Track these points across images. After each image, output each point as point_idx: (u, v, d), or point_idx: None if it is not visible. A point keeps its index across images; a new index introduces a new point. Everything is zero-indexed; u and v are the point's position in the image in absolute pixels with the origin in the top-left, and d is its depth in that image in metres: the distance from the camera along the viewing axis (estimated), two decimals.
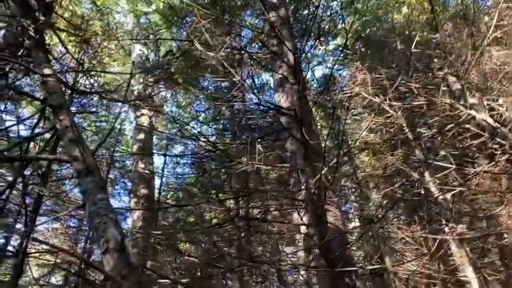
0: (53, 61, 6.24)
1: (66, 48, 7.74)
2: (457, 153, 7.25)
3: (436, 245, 8.04)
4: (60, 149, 6.50)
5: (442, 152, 8.91)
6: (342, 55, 9.08)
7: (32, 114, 4.43)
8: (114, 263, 1.66)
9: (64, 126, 2.24)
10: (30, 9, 3.42)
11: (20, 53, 3.29)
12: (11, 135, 3.69)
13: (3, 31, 3.77)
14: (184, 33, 11.23)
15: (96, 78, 8.94)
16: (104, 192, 1.97)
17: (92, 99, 9.84)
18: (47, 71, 2.63)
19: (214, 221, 11.23)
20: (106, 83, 10.17)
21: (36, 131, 3.65)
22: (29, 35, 3.09)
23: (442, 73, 8.08)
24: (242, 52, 6.12)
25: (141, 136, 12.24)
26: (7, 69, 3.25)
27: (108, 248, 1.69)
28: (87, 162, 2.06)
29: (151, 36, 12.98)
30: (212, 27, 5.25)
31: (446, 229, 7.68)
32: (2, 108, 3.99)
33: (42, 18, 3.25)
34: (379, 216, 5.06)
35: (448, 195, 7.01)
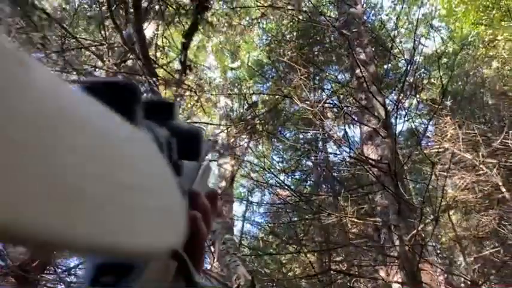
0: None
1: None
2: None
3: None
4: None
5: None
6: (430, 109, 8.90)
7: None
8: None
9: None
10: (153, 68, 3.90)
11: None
12: None
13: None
14: (269, 85, 11.79)
15: None
16: (231, 232, 2.14)
17: None
18: None
19: (291, 273, 11.03)
20: None
21: None
22: (154, 91, 3.51)
23: None
24: (333, 106, 6.31)
25: (223, 184, 12.69)
26: None
27: (239, 284, 1.83)
28: None
29: (236, 89, 13.77)
30: (304, 82, 5.52)
31: None
32: None
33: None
34: (480, 281, 4.73)
35: None
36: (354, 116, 6.17)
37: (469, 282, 4.17)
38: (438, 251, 11.34)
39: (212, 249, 2.43)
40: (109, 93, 0.25)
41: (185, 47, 3.57)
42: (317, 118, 4.40)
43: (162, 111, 0.40)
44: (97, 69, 4.44)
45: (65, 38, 4.94)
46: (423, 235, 4.99)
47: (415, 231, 4.25)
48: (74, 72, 4.12)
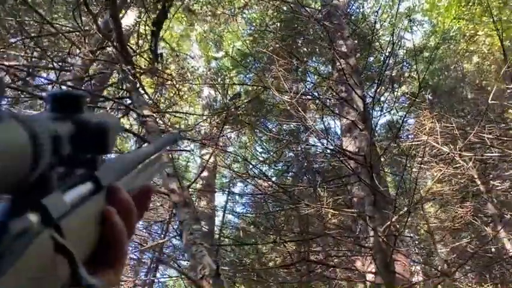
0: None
1: (144, 88, 8.37)
2: None
3: None
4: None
5: None
6: (409, 102, 9.01)
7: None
8: None
9: (163, 162, 2.49)
10: (130, 56, 3.85)
11: (120, 95, 3.74)
12: None
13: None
14: (251, 75, 11.76)
15: (169, 117, 9.54)
16: (199, 223, 2.16)
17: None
18: (146, 112, 2.95)
19: (271, 263, 11.14)
20: (177, 122, 10.80)
21: None
22: (129, 79, 3.47)
23: None
24: (312, 97, 6.33)
25: (205, 174, 12.68)
26: (108, 108, 3.69)
27: (204, 274, 1.84)
28: (184, 195, 2.27)
29: (220, 79, 13.70)
30: (284, 74, 5.52)
31: None
32: None
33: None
34: (449, 271, 4.85)
35: None
36: (332, 108, 6.21)
37: (439, 273, 4.27)
38: (416, 242, 11.59)
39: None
40: None
41: (155, 34, 3.52)
42: (294, 110, 4.42)
43: (69, 105, 0.39)
44: (72, 56, 4.36)
45: (42, 24, 4.84)
46: (397, 226, 5.08)
47: (388, 222, 4.33)
48: (49, 59, 4.04)
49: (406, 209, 4.24)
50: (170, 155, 2.49)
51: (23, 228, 0.31)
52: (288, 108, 4.44)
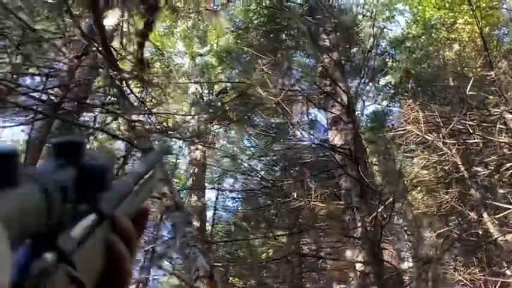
0: None
1: (130, 88, 8.34)
2: None
3: None
4: None
5: (501, 191, 8.59)
6: (392, 92, 9.16)
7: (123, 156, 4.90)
8: None
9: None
10: (115, 60, 3.88)
11: (107, 100, 3.79)
12: None
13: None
14: (237, 71, 11.77)
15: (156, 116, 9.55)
16: (191, 225, 2.23)
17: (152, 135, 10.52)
18: (134, 117, 3.00)
19: (263, 256, 11.28)
20: (164, 120, 10.79)
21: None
22: (115, 85, 3.51)
23: (498, 111, 7.93)
24: (297, 92, 6.41)
25: (195, 170, 12.73)
26: (96, 113, 3.74)
27: (198, 275, 1.92)
28: (176, 199, 2.35)
29: (206, 75, 13.68)
30: (269, 70, 5.59)
31: (508, 272, 7.34)
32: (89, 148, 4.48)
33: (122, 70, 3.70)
34: (435, 256, 5.01)
35: (509, 237, 6.76)
36: (316, 103, 6.31)
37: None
38: (405, 228, 11.81)
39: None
40: None
41: (141, 45, 3.55)
42: (280, 107, 4.51)
43: (72, 151, 0.44)
44: (57, 63, 4.37)
45: (24, 29, 4.82)
46: (384, 216, 5.22)
47: (375, 213, 4.46)
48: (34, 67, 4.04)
49: (391, 199, 4.37)
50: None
51: (43, 267, 0.37)
52: (274, 105, 4.53)
